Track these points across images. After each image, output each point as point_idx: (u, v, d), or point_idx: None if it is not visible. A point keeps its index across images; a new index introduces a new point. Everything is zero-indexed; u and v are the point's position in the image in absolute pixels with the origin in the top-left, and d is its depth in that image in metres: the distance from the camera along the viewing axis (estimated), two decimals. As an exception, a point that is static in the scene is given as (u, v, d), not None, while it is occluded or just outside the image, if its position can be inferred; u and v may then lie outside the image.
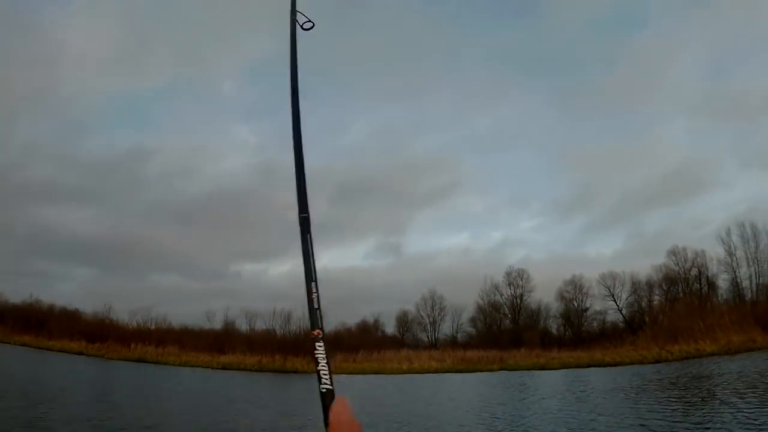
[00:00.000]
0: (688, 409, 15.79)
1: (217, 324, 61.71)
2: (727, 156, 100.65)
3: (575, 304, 73.48)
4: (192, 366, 43.69)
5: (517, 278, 77.81)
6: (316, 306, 1.85)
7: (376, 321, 78.30)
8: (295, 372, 43.41)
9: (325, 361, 1.67)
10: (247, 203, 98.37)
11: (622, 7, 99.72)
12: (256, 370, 44.18)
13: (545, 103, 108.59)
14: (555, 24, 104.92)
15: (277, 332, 54.94)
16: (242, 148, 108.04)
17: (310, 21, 2.43)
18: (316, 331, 1.75)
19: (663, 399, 19.37)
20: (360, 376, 42.17)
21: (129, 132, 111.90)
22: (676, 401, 18.29)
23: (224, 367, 44.38)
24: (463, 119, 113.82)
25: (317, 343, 1.73)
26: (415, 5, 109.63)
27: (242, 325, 61.44)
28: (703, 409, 15.82)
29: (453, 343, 70.65)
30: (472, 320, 77.80)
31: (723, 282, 64.14)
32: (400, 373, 46.00)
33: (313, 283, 1.87)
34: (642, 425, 13.63)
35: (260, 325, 58.75)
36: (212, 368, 43.50)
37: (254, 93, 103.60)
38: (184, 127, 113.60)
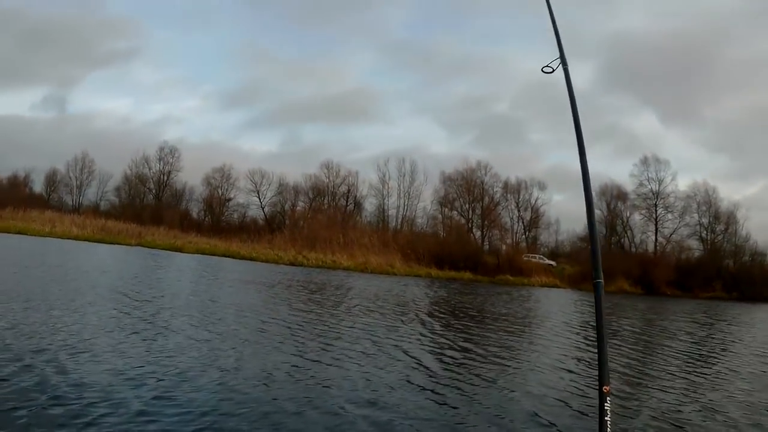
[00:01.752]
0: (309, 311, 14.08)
1: None
2: (402, 98, 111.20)
3: (220, 192, 72.52)
4: None
5: (168, 155, 74.74)
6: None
7: (26, 177, 72.27)
8: None
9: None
10: None
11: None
12: None
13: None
14: None
15: None
16: None
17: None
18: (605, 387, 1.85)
19: (295, 298, 17.87)
20: (4, 234, 39.92)
21: None
22: (306, 302, 16.84)
23: None
24: None
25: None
26: None
27: None
28: (331, 314, 15.04)
29: (96, 210, 66.12)
30: (117, 190, 73.94)
31: (370, 206, 69.36)
32: (43, 236, 43.36)
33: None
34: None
35: None
36: None
37: None
38: None
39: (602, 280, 2.94)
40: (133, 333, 9.69)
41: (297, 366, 8.43)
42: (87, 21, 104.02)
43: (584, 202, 3.34)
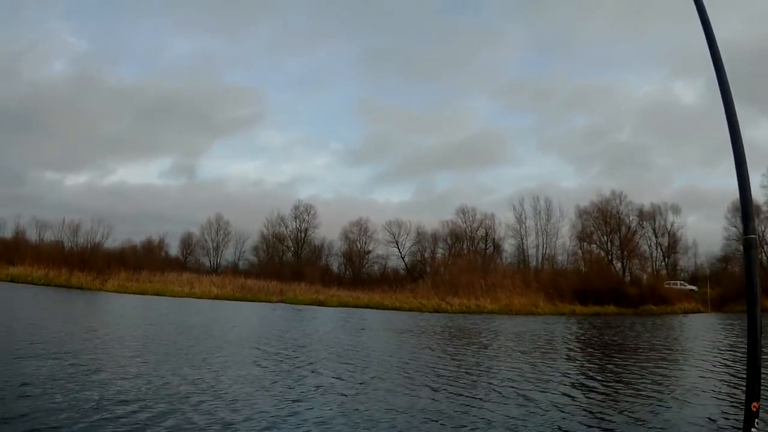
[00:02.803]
0: (462, 353, 14.62)
1: (8, 233, 58.89)
2: (526, 137, 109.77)
3: (359, 245, 73.69)
4: (-22, 277, 39.81)
5: (303, 213, 77.02)
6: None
7: (161, 241, 75.48)
8: (80, 288, 40.92)
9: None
10: (57, 112, 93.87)
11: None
12: (42, 284, 40.81)
13: (357, 57, 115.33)
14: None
15: (66, 244, 51.87)
16: (64, 51, 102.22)
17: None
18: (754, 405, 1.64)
19: (442, 343, 18.09)
20: (142, 296, 40.24)
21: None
22: (453, 346, 17.04)
23: (12, 280, 41.08)
24: (276, 57, 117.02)
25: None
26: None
27: (32, 236, 59.16)
28: (479, 355, 15.03)
29: (234, 270, 67.89)
30: (255, 249, 76.44)
31: (509, 246, 68.08)
32: (181, 296, 44.01)
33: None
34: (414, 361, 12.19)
35: (50, 236, 56.46)
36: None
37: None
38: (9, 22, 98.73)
39: (756, 236, 2.45)
40: (292, 379, 9.87)
41: (456, 404, 8.34)
42: (207, 93, 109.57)
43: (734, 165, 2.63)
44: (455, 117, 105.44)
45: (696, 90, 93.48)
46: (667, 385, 10.99)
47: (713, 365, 13.87)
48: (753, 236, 2.33)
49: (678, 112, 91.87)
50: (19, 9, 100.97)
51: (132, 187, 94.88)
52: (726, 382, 11.19)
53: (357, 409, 7.99)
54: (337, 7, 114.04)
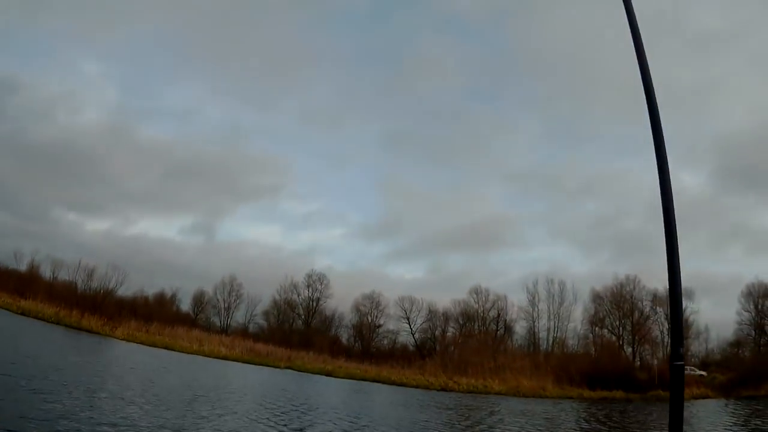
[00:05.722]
0: None
1: (23, 266, 58.76)
2: (536, 222, 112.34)
3: (370, 318, 73.50)
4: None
5: (317, 282, 77.27)
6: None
7: (174, 295, 75.30)
8: (90, 331, 41.04)
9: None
10: (88, 158, 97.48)
11: (477, 81, 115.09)
12: (53, 322, 40.94)
13: (380, 136, 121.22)
14: (407, 75, 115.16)
15: (79, 286, 52.66)
16: (100, 101, 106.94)
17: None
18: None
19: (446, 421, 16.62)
20: (151, 348, 40.83)
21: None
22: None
23: (23, 313, 41.24)
24: (303, 130, 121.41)
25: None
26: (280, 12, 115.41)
27: (46, 272, 58.44)
28: None
29: (244, 332, 67.78)
30: (266, 314, 76.18)
31: (520, 329, 67.60)
32: (190, 353, 44.08)
33: None
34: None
35: (63, 276, 56.73)
36: (11, 311, 40.73)
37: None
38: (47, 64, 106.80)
39: (683, 362, 2.57)
40: None
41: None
42: (235, 158, 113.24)
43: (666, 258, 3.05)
44: (469, 200, 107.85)
45: (697, 180, 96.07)
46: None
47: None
48: (681, 363, 2.45)
49: (685, 202, 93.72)
50: (58, 51, 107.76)
51: (151, 239, 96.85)
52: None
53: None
54: (365, 84, 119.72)
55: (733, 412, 27.06)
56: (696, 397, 39.69)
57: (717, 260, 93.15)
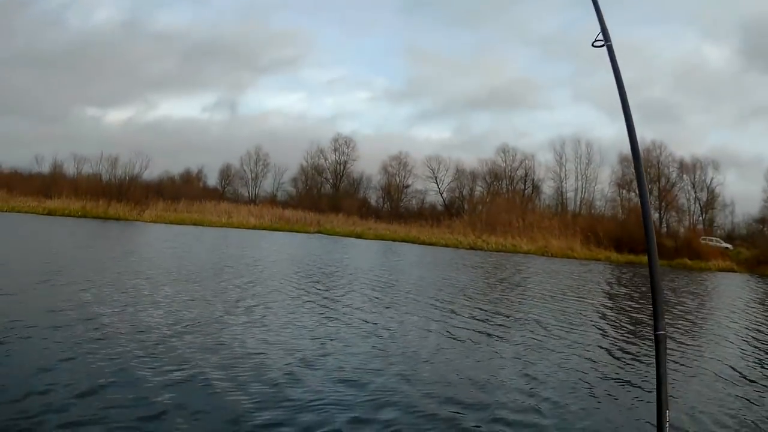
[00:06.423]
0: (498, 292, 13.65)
1: (45, 168, 58.68)
2: (561, 86, 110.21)
3: (397, 179, 73.86)
4: (18, 212, 39.89)
5: (343, 146, 77.12)
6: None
7: (199, 172, 76.08)
8: (117, 219, 41.62)
9: None
10: (103, 54, 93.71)
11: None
12: (80, 216, 41.16)
13: (400, 2, 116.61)
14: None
15: (103, 177, 51.52)
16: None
17: None
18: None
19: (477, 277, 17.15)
20: (179, 226, 40.81)
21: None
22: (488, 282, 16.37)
23: (49, 213, 41.08)
24: (322, 1, 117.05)
25: None
26: None
27: (70, 170, 57.71)
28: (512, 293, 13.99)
29: (272, 200, 68.39)
30: (294, 180, 76.77)
31: (548, 189, 67.29)
32: (219, 226, 44.43)
33: None
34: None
35: (87, 170, 55.52)
36: (37, 213, 40.13)
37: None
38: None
39: (664, 332, 2.33)
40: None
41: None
42: (254, 36, 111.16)
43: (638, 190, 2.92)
44: (493, 63, 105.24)
45: (721, 55, 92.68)
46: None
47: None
48: (662, 332, 2.33)
49: (711, 73, 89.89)
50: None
51: (174, 121, 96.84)
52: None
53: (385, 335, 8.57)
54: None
55: (755, 288, 26.95)
56: (721, 269, 39.87)
57: (741, 135, 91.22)
